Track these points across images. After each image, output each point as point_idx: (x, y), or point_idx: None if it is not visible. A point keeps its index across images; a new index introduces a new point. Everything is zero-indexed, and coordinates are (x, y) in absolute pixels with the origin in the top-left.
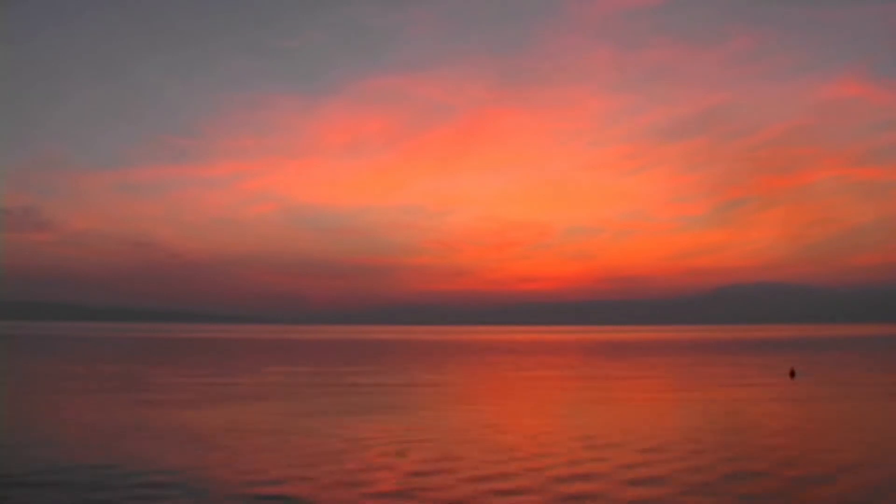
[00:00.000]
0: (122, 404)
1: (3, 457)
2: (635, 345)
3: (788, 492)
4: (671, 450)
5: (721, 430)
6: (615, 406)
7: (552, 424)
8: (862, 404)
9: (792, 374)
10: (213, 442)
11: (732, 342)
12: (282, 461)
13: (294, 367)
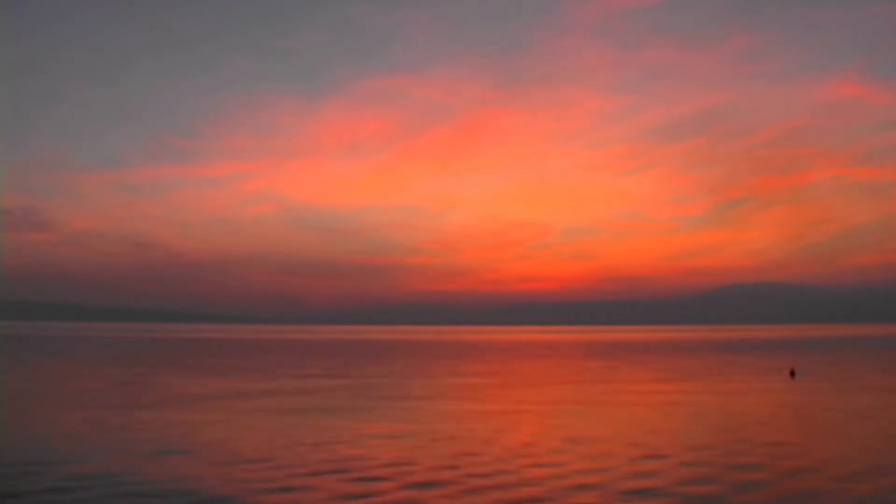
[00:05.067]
0: (130, 410)
1: (7, 465)
2: (635, 345)
3: (790, 494)
4: (670, 452)
5: (722, 433)
6: (616, 408)
7: (544, 426)
8: (862, 405)
9: (792, 374)
10: (250, 453)
11: (732, 342)
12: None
13: (305, 369)
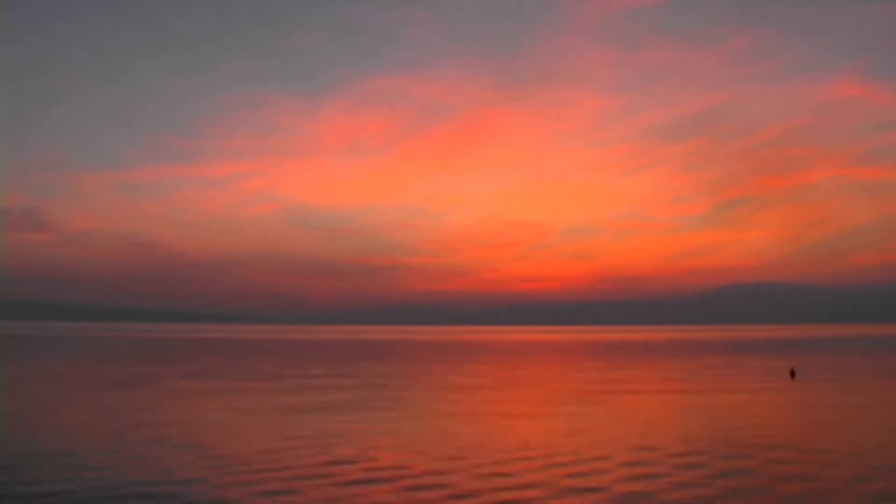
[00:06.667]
0: (131, 412)
1: (12, 469)
2: (635, 345)
3: (785, 493)
4: (671, 451)
5: (721, 432)
6: (618, 409)
7: (551, 429)
8: (862, 404)
9: (792, 374)
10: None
11: (732, 342)
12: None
13: (308, 370)
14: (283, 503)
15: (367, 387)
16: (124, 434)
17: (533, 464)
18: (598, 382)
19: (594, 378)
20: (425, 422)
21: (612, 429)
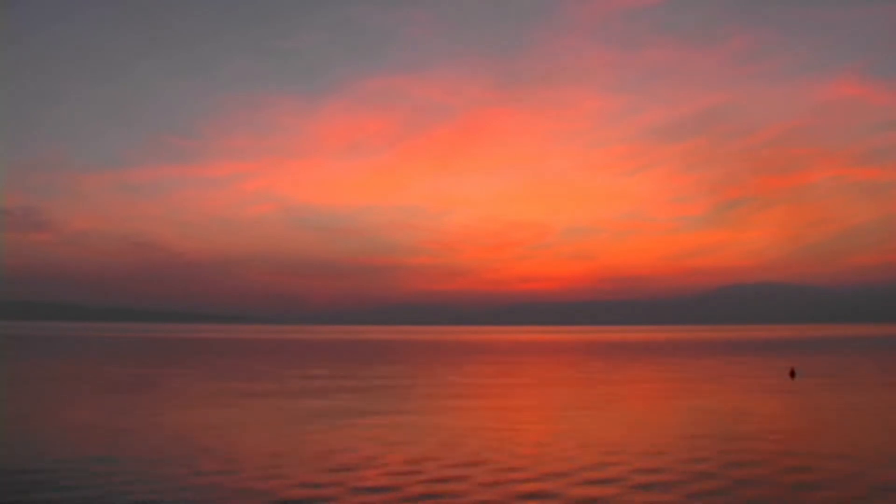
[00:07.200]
0: (132, 413)
1: (13, 469)
2: (635, 345)
3: (788, 494)
4: (671, 453)
5: (721, 432)
6: (619, 409)
7: (554, 429)
8: (862, 404)
9: (792, 374)
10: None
11: (732, 342)
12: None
13: (310, 370)
14: None
15: (368, 387)
16: (125, 435)
17: (536, 471)
18: (599, 384)
19: (596, 379)
20: (429, 422)
21: (607, 431)
